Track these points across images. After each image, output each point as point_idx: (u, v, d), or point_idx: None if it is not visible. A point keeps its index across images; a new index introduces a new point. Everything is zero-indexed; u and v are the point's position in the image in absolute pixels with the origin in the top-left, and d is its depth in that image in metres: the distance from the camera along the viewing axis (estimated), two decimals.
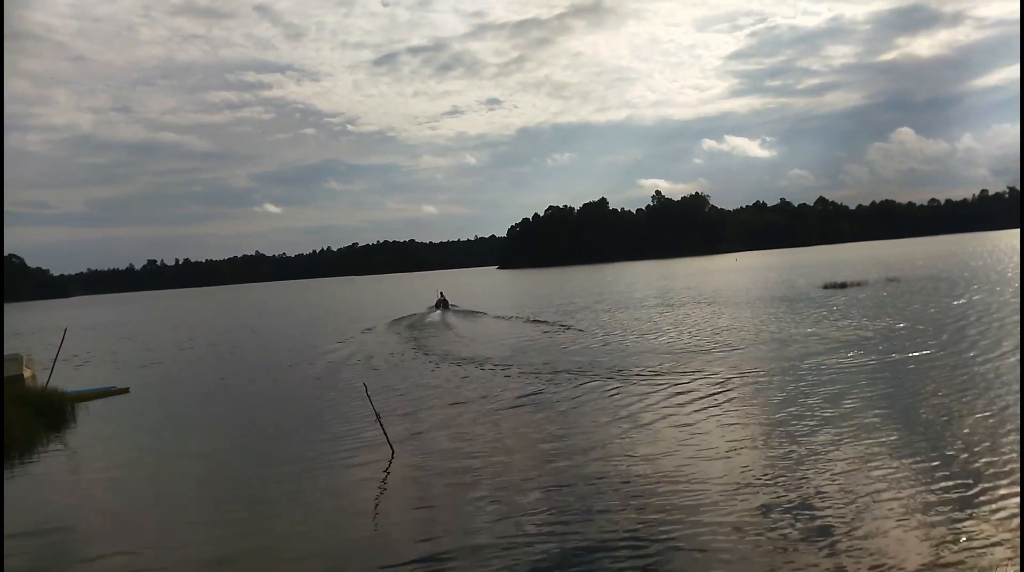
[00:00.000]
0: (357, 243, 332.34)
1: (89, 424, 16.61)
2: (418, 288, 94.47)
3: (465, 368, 20.44)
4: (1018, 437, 9.72)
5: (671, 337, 23.82)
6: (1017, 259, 47.80)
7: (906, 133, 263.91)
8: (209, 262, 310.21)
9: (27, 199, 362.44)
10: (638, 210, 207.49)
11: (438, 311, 48.26)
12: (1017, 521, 7.04)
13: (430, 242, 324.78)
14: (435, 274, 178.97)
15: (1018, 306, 23.04)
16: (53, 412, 16.77)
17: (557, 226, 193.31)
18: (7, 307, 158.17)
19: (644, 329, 26.85)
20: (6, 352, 26.50)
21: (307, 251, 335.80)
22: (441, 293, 54.12)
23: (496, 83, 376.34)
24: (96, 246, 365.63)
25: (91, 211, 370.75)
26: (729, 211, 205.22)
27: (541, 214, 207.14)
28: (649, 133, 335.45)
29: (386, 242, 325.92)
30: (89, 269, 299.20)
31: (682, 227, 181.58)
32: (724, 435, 11.23)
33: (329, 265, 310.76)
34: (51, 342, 36.82)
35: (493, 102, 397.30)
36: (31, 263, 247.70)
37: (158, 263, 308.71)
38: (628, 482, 9.27)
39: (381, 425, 12.05)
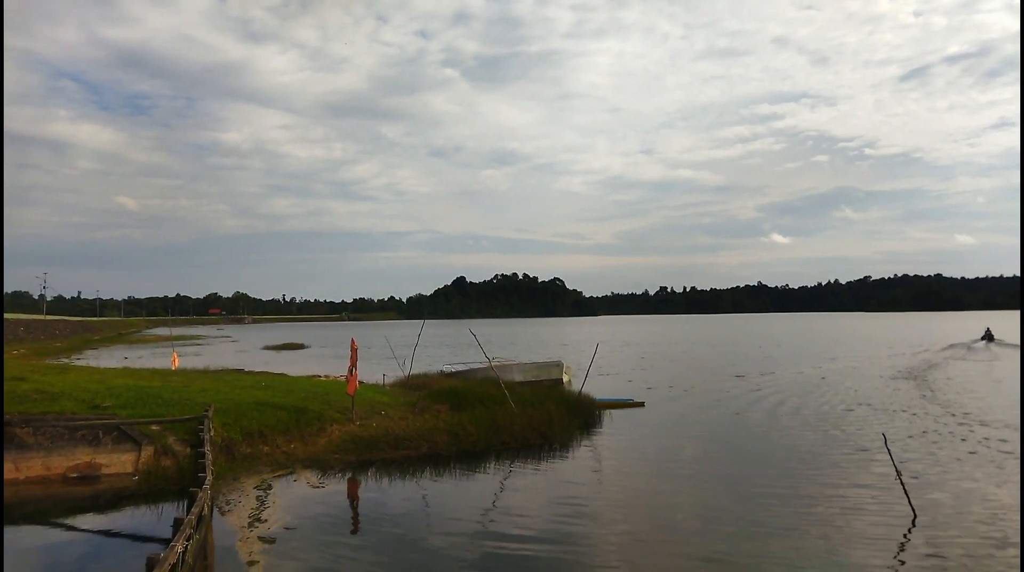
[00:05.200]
0: (870, 276, 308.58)
1: (611, 430, 18.76)
2: (954, 327, 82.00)
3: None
4: None
5: None
6: None
7: None
8: (713, 290, 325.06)
9: (570, 232, 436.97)
10: None
11: (982, 342, 51.36)
12: None
13: (962, 278, 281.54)
14: (962, 315, 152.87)
15: None
16: (584, 414, 19.54)
17: None
18: (552, 321, 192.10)
19: None
20: (551, 359, 32.04)
21: (811, 283, 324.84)
22: (988, 329, 57.28)
23: None
24: (618, 272, 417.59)
25: (616, 242, 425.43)
26: None
27: None
28: None
29: (905, 276, 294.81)
30: (612, 292, 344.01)
31: None
32: None
33: (834, 298, 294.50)
34: (583, 352, 43.20)
35: None
36: (569, 285, 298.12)
37: (668, 290, 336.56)
38: None
39: (901, 482, 10.75)
